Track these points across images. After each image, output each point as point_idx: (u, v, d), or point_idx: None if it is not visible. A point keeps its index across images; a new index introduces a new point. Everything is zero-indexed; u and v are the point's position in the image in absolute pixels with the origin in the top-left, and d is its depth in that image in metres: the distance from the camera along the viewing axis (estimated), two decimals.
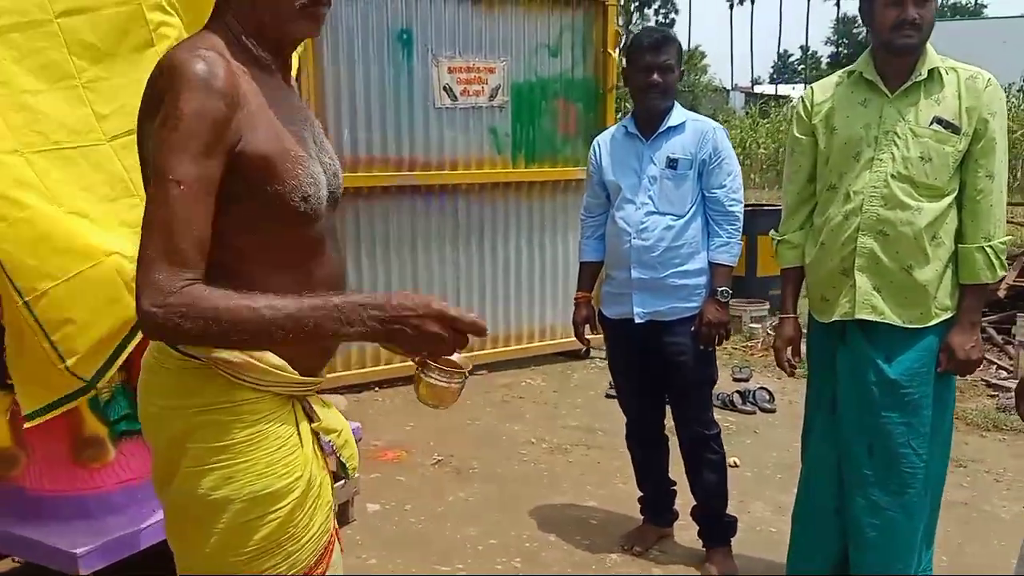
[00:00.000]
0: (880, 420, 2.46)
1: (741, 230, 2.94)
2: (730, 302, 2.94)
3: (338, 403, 4.73)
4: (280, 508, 1.37)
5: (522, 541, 3.23)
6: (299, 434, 1.42)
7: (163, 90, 1.27)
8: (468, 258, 5.37)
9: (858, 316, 2.46)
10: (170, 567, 1.45)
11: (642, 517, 3.26)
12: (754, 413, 4.78)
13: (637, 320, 2.92)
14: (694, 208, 2.90)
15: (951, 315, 2.44)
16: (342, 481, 1.61)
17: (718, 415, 4.67)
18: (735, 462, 4.02)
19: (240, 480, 1.35)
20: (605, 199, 3.07)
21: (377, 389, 5.02)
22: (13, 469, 2.44)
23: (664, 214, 2.89)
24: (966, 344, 2.41)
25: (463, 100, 5.18)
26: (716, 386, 5.10)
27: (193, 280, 1.23)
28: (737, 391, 4.90)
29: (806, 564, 2.71)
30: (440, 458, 4.03)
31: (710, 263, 2.93)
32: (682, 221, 2.89)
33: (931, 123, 2.38)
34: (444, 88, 5.12)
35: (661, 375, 2.99)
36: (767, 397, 4.88)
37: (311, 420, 1.47)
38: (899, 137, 2.40)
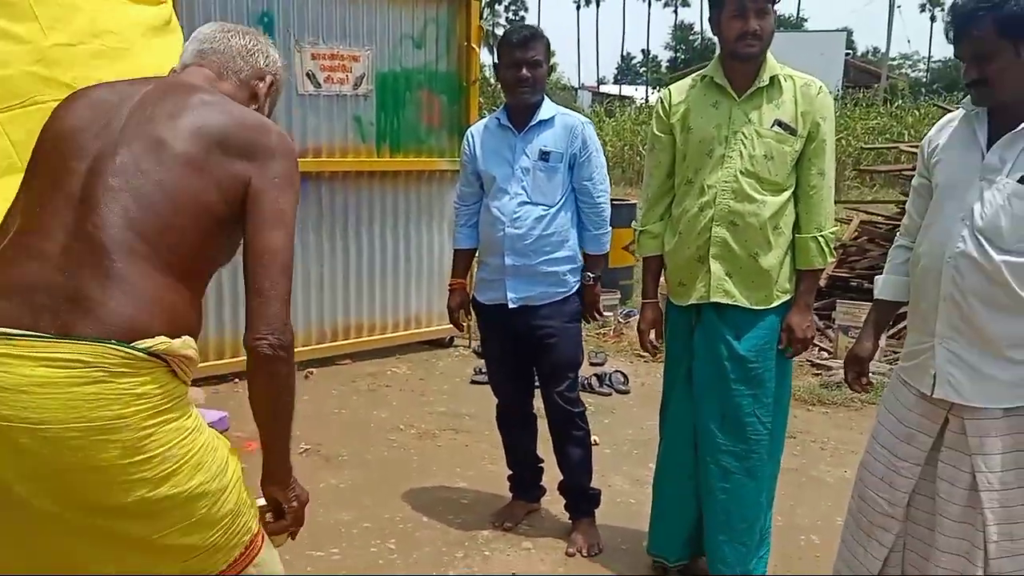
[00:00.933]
0: (731, 391, 2.71)
1: (609, 219, 3.13)
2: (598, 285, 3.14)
3: (196, 396, 4.62)
4: (234, 469, 1.55)
5: (395, 523, 3.30)
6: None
7: (277, 149, 1.58)
8: (332, 246, 5.34)
9: (712, 299, 2.70)
10: None
11: (512, 494, 3.40)
12: (610, 395, 5.04)
13: (511, 305, 3.05)
14: (564, 199, 3.06)
15: (790, 297, 2.73)
16: None
17: (588, 397, 4.96)
18: (595, 440, 4.23)
19: (208, 462, 1.47)
20: (479, 188, 3.18)
21: (237, 381, 4.90)
22: None
23: (536, 204, 3.03)
24: (803, 323, 2.71)
25: (327, 87, 5.14)
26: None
27: None
28: (594, 374, 5.16)
29: (666, 526, 2.95)
30: (308, 447, 4.02)
31: (584, 253, 3.11)
32: (553, 211, 3.04)
33: (772, 125, 2.64)
34: (307, 74, 5.06)
35: (532, 357, 3.14)
36: (622, 380, 5.17)
37: None
38: (746, 137, 2.65)
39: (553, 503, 3.37)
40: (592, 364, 5.56)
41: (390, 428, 4.35)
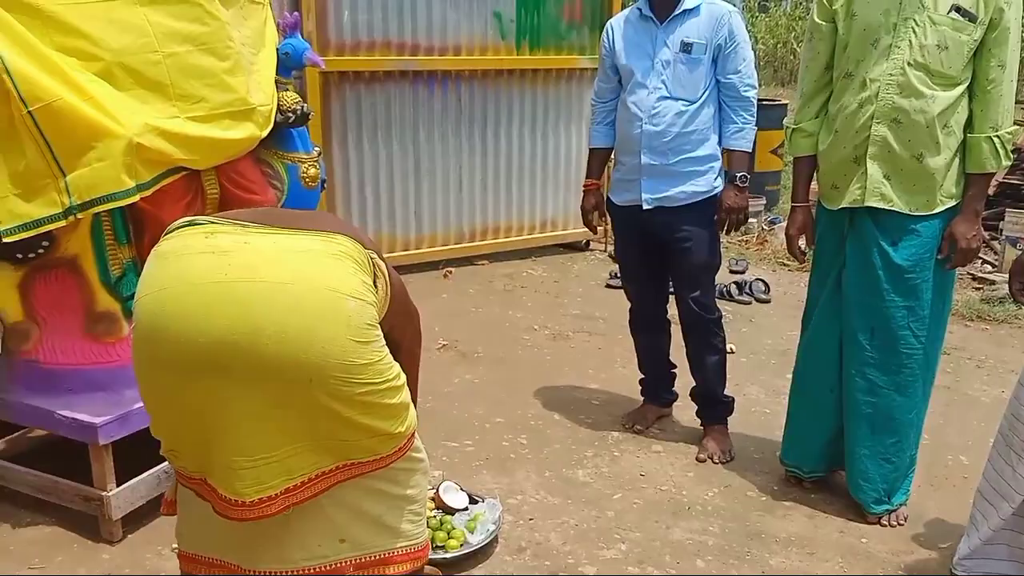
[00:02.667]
0: (883, 303, 2.55)
1: (755, 116, 2.95)
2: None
3: None
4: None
5: (527, 419, 3.37)
6: None
7: None
8: (471, 146, 5.35)
9: (867, 203, 2.51)
10: None
11: (642, 398, 3.39)
12: (750, 303, 4.89)
13: (645, 206, 2.96)
14: (707, 94, 2.90)
15: (955, 203, 2.50)
16: None
17: (722, 303, 4.84)
18: (731, 348, 4.13)
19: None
20: (616, 83, 3.06)
21: None
22: (26, 343, 2.49)
23: (676, 99, 2.89)
24: (968, 233, 2.48)
25: None
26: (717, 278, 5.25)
27: None
28: (734, 282, 5.00)
29: (801, 436, 2.86)
30: (445, 343, 4.14)
31: (727, 149, 2.96)
32: (694, 106, 2.89)
33: (949, 11, 2.37)
34: None
35: (667, 260, 3.05)
36: (763, 288, 4.98)
37: None
38: (917, 24, 2.39)
39: (685, 410, 3.33)
40: (732, 272, 5.39)
41: (524, 328, 4.41)
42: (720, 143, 2.95)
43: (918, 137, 2.43)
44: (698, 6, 2.89)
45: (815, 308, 2.79)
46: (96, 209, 2.34)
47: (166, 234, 1.65)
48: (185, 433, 1.64)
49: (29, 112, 2.20)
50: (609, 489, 2.87)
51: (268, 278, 1.50)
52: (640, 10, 2.96)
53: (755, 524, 2.70)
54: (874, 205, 2.50)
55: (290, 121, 2.89)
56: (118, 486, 2.42)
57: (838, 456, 2.82)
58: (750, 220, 6.49)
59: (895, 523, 2.71)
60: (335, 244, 1.61)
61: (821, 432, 2.81)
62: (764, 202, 6.66)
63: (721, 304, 4.86)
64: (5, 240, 2.25)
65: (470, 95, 5.26)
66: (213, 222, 1.62)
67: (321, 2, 4.64)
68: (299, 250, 1.57)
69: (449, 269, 5.27)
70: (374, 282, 1.66)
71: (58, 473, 2.49)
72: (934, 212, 2.49)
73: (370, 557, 1.81)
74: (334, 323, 1.52)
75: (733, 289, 4.95)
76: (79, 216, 2.32)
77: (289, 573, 1.72)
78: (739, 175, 2.91)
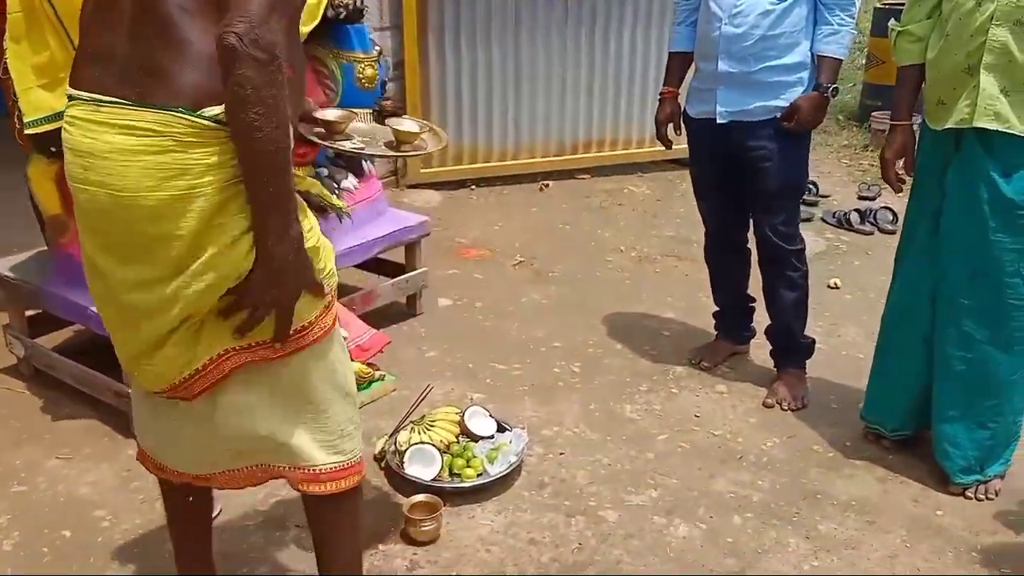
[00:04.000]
0: (988, 243, 2.15)
1: (855, 16, 2.50)
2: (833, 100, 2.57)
3: (432, 198, 4.71)
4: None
5: (587, 346, 3.17)
6: None
7: None
8: (576, 49, 5.00)
9: (977, 124, 2.09)
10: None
11: (715, 333, 3.10)
12: (871, 234, 4.38)
13: (719, 120, 2.61)
14: None
15: None
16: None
17: (831, 233, 4.40)
18: (836, 283, 3.75)
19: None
20: None
21: (473, 188, 4.94)
22: (64, 235, 2.51)
23: None
24: None
25: None
26: (837, 203, 4.75)
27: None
28: (856, 209, 4.49)
29: (887, 390, 2.53)
30: (522, 259, 3.96)
31: (815, 55, 2.55)
32: (783, 5, 2.48)
33: None
34: None
35: (744, 180, 2.71)
36: (890, 218, 4.45)
37: None
38: None
39: (763, 348, 3.02)
40: (860, 198, 4.87)
41: (611, 248, 4.15)
42: (811, 48, 2.54)
43: None
44: None
45: (910, 245, 2.40)
46: None
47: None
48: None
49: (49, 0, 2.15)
50: (656, 428, 2.65)
51: None
52: None
53: (813, 482, 2.42)
54: (985, 127, 2.07)
55: (341, 16, 2.73)
56: None
57: (929, 415, 2.46)
58: None
59: (983, 496, 2.35)
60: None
61: (909, 387, 2.46)
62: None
63: (838, 233, 4.46)
64: (28, 132, 2.25)
65: None
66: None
67: None
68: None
69: (546, 182, 5.04)
70: None
71: (99, 368, 2.55)
72: None
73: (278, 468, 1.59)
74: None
75: (854, 217, 4.45)
76: None
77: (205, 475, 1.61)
78: (827, 86, 2.50)
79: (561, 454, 2.50)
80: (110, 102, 1.34)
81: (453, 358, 3.04)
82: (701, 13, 2.65)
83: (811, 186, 4.92)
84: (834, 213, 4.55)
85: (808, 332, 2.86)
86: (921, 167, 2.35)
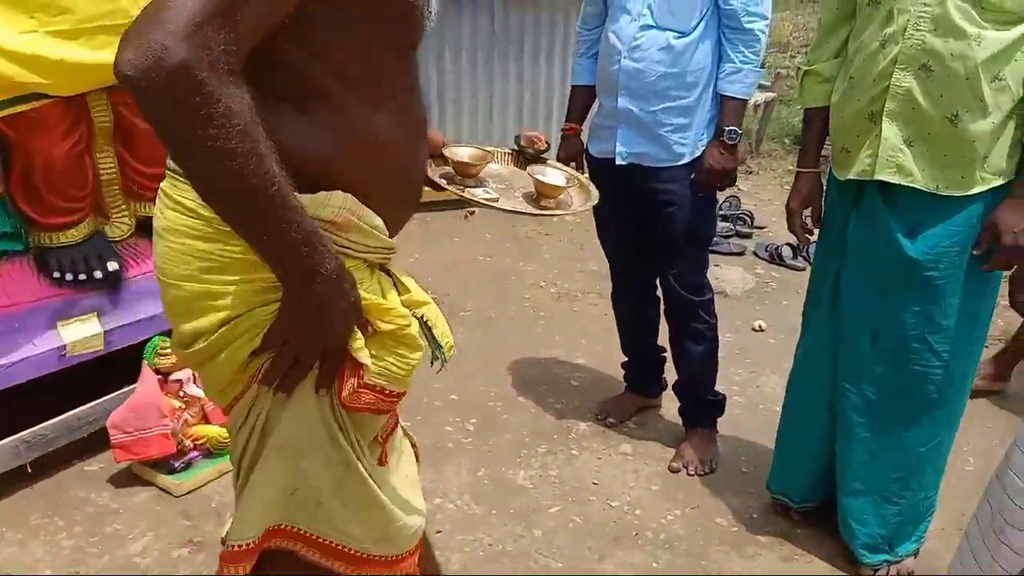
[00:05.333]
0: (890, 304, 1.96)
1: (760, 55, 2.31)
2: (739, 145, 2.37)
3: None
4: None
5: (487, 399, 2.93)
6: None
7: None
8: (504, 73, 4.80)
9: (878, 176, 1.89)
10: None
11: (625, 385, 2.89)
12: (804, 270, 4.21)
13: (619, 161, 2.40)
14: (703, 25, 2.28)
15: (1003, 183, 1.84)
16: (439, 363, 1.42)
17: (762, 269, 4.21)
18: (760, 325, 3.56)
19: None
20: (603, 7, 2.47)
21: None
22: None
23: (664, 29, 2.28)
24: (1018, 224, 1.82)
25: None
26: (772, 234, 4.58)
27: (232, 68, 0.96)
28: (789, 243, 4.32)
29: (791, 461, 2.33)
30: (434, 296, 3.70)
31: (719, 95, 2.35)
32: (686, 40, 2.28)
33: None
34: None
35: (648, 226, 2.50)
36: None
37: (398, 292, 1.30)
38: None
39: (676, 400, 2.80)
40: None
41: (531, 283, 3.93)
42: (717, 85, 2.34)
43: (954, 91, 1.77)
44: None
45: (815, 303, 2.21)
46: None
47: None
48: None
49: None
50: (548, 499, 2.42)
51: None
52: None
53: (713, 562, 2.20)
54: (887, 179, 1.88)
55: None
56: None
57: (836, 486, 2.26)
58: None
59: None
60: None
61: (814, 456, 2.26)
62: None
63: (769, 269, 4.27)
64: None
65: (505, 17, 4.68)
66: None
67: None
68: None
69: (472, 210, 4.80)
70: None
71: None
72: (972, 192, 1.83)
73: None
74: None
75: (786, 251, 4.28)
76: None
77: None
78: (728, 129, 2.30)
79: (439, 532, 2.26)
80: (175, 171, 1.17)
81: None
82: (601, 45, 2.45)
83: (745, 217, 4.75)
84: (767, 247, 4.38)
85: (727, 380, 2.67)
86: (826, 219, 2.15)
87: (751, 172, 5.93)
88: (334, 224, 1.15)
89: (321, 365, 1.19)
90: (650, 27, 2.29)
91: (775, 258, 4.28)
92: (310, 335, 1.15)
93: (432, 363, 1.37)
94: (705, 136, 2.36)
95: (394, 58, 1.18)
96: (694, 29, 2.27)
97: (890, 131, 1.85)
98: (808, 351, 2.23)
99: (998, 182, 1.83)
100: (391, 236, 1.25)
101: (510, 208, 1.63)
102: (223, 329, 1.16)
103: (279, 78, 1.09)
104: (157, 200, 1.23)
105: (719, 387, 2.66)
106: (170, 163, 1.18)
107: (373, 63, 1.13)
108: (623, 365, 2.88)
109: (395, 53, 1.18)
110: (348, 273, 1.15)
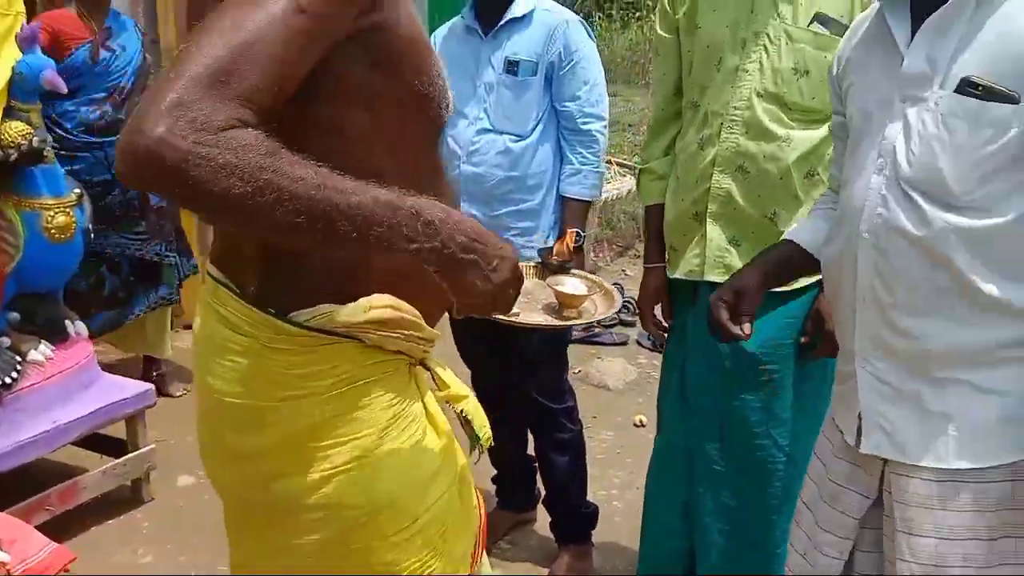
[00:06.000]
0: (734, 402, 1.91)
1: (600, 155, 2.30)
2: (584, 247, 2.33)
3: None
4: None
5: None
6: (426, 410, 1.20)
7: None
8: None
9: (708, 278, 1.87)
10: None
11: (497, 500, 2.74)
12: None
13: None
14: (540, 126, 2.27)
15: None
16: (476, 456, 1.36)
17: (644, 358, 4.17)
18: (642, 420, 3.49)
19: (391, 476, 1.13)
20: None
21: None
22: None
23: (501, 132, 2.26)
24: None
25: None
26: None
27: (243, 123, 0.87)
28: None
29: (657, 559, 2.21)
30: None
31: (561, 197, 2.32)
32: (524, 143, 2.26)
33: (811, 22, 1.73)
34: None
35: (501, 334, 2.41)
36: None
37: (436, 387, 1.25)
38: (771, 42, 1.77)
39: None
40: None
41: None
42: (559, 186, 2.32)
43: (770, 191, 1.78)
44: (529, 14, 2.27)
45: (666, 394, 2.15)
46: None
47: None
48: None
49: None
50: None
51: None
52: (464, 18, 2.35)
53: None
54: (716, 280, 1.85)
55: (12, 159, 2.34)
56: None
57: None
58: None
59: None
60: None
61: (676, 556, 2.16)
62: None
63: (651, 357, 4.22)
64: None
65: None
66: None
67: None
68: None
69: None
70: None
71: None
72: (797, 287, 1.82)
73: None
74: None
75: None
76: None
77: None
78: (571, 231, 2.26)
79: None
80: (221, 282, 1.14)
81: (175, 563, 2.52)
82: (443, 150, 2.40)
83: (628, 304, 4.74)
84: (649, 335, 4.36)
85: (606, 483, 2.57)
86: (674, 317, 2.12)
87: (638, 256, 5.99)
88: (381, 324, 1.10)
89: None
90: (487, 131, 2.27)
91: (658, 346, 4.26)
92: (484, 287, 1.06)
93: (470, 453, 1.32)
94: (551, 238, 2.31)
95: (419, 147, 1.16)
96: (532, 132, 2.26)
97: (715, 232, 1.85)
98: (661, 448, 2.17)
99: (820, 276, 1.82)
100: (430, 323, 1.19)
101: (529, 322, 1.63)
102: None
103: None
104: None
105: (600, 491, 2.55)
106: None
107: (397, 155, 1.11)
108: (493, 479, 2.74)
109: (419, 142, 1.16)
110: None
